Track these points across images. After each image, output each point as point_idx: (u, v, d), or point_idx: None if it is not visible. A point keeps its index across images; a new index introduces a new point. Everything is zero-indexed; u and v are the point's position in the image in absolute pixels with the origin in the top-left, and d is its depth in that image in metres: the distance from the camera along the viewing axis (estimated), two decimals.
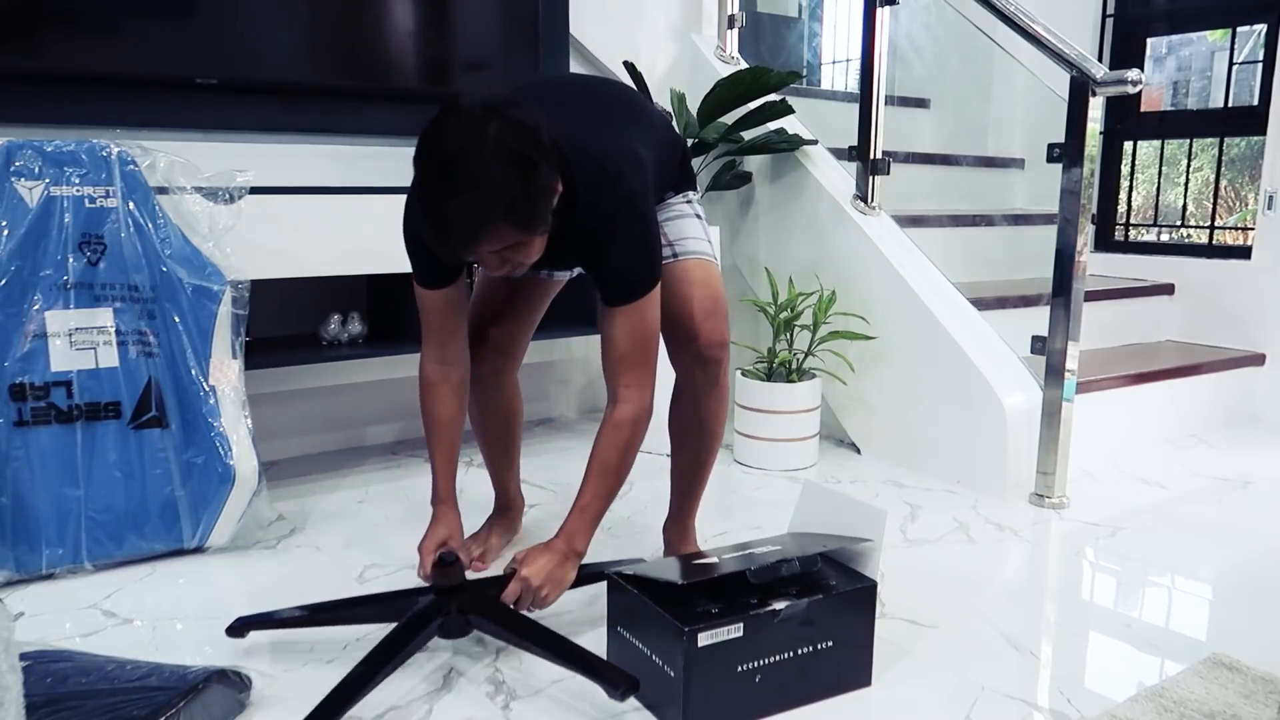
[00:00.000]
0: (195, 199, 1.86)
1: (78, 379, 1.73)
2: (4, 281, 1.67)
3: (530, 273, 1.45)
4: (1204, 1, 3.20)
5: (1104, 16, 3.39)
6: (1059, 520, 2.12)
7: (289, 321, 2.42)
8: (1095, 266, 3.32)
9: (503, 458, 1.87)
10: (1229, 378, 2.89)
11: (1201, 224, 3.32)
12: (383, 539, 1.94)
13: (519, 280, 1.66)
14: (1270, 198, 2.91)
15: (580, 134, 1.39)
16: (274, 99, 2.28)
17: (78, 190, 1.74)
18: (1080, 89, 2.12)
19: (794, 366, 2.49)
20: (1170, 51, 3.41)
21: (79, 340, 1.73)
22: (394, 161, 2.46)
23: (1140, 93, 3.05)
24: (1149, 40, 3.36)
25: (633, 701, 1.34)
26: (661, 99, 2.77)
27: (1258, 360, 2.93)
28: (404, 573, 1.75)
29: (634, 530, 2.00)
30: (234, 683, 1.28)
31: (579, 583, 1.49)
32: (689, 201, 1.65)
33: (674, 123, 2.72)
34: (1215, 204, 3.29)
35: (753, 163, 2.85)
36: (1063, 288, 2.17)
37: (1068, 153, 2.14)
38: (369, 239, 2.08)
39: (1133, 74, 2.06)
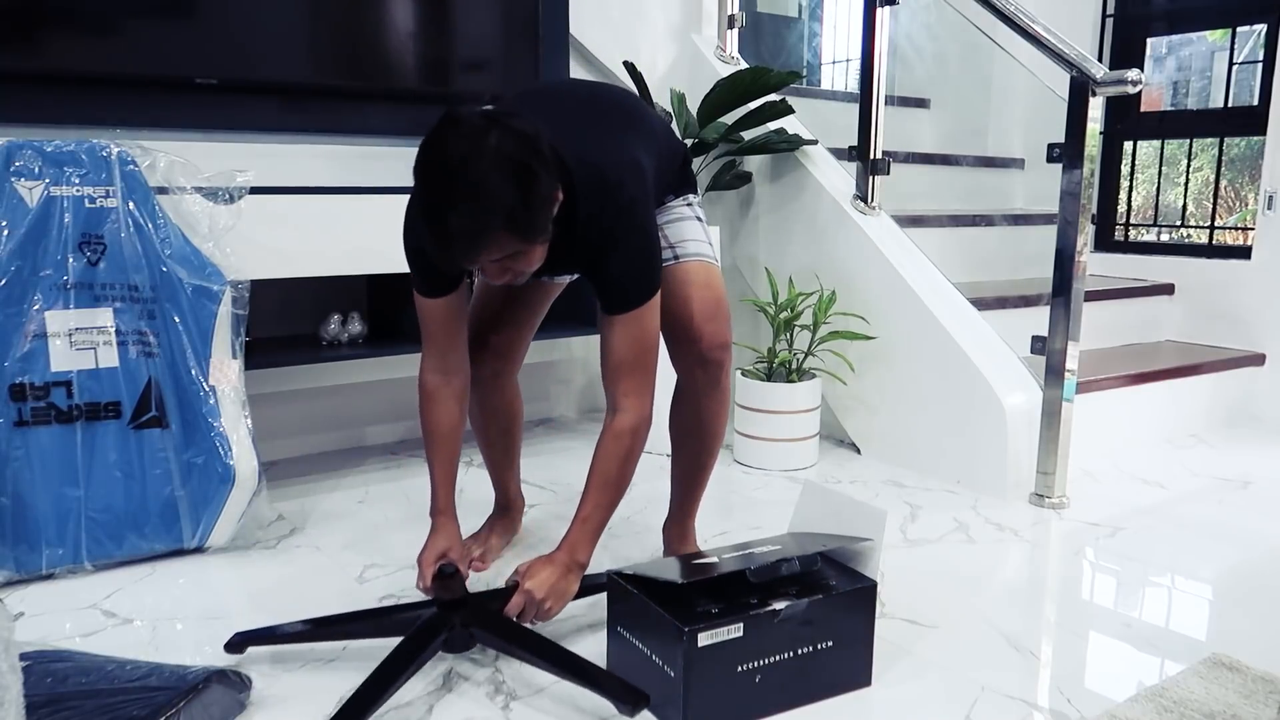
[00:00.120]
0: (195, 199, 1.86)
1: (78, 379, 1.73)
2: (4, 281, 1.67)
3: (530, 278, 1.45)
4: (1204, 1, 3.20)
5: (1104, 16, 3.39)
6: (1059, 520, 2.12)
7: (289, 321, 2.42)
8: (1095, 266, 3.32)
9: (503, 459, 1.87)
10: (1229, 378, 2.89)
11: (1201, 224, 3.32)
12: (383, 539, 1.94)
13: (519, 284, 1.66)
14: (1270, 198, 2.91)
15: (580, 142, 1.39)
16: (274, 99, 2.28)
17: (78, 190, 1.74)
18: (1080, 89, 2.12)
19: (794, 366, 2.49)
20: (1170, 51, 3.41)
21: (79, 340, 1.73)
22: (394, 161, 2.46)
23: (1140, 93, 3.06)
24: (1149, 40, 3.36)
25: None
26: (661, 99, 2.78)
27: (1258, 360, 2.93)
28: (404, 573, 1.75)
29: (634, 530, 2.00)
30: (234, 683, 1.28)
31: (581, 594, 1.49)
32: (689, 204, 1.64)
33: (674, 123, 2.72)
34: (1215, 204, 3.29)
35: (753, 163, 2.85)
36: (1063, 288, 2.17)
37: (1068, 153, 2.14)
38: (369, 239, 2.08)
39: (1133, 74, 2.06)
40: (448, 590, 1.44)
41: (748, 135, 2.71)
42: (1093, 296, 2.78)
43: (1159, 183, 3.41)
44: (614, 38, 2.87)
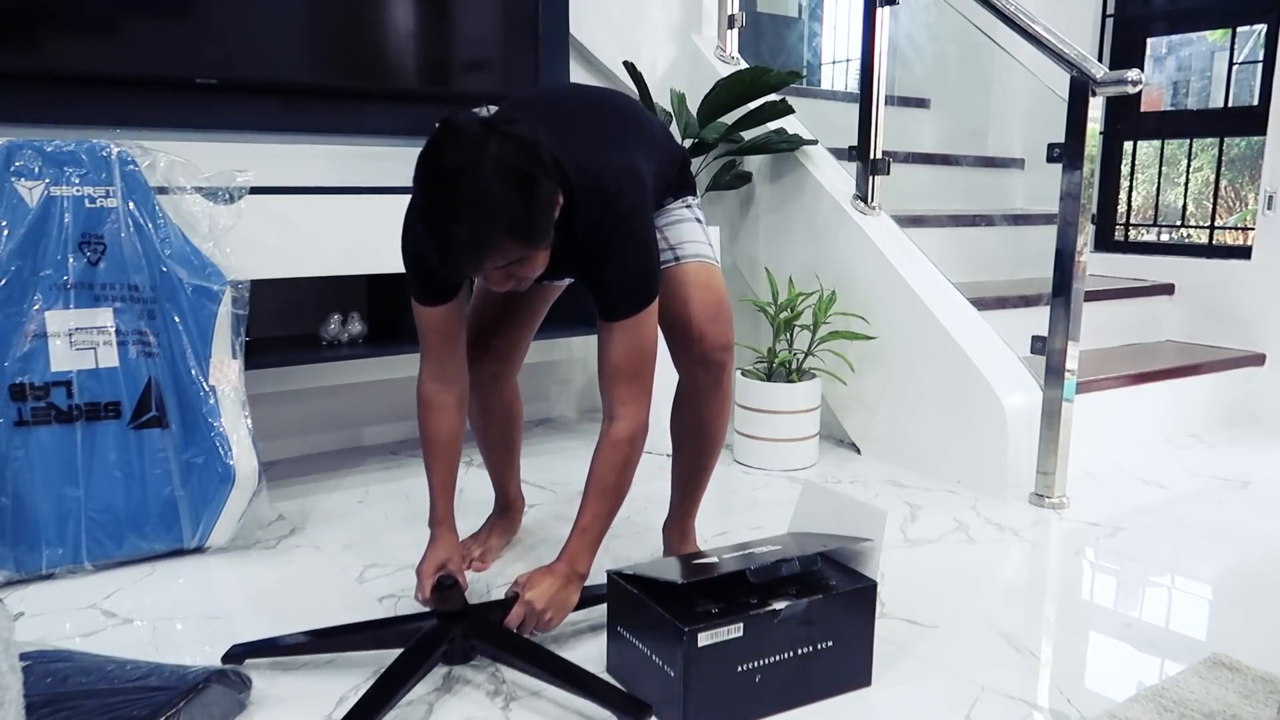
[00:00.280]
0: (195, 199, 1.86)
1: (78, 379, 1.73)
2: (4, 281, 1.67)
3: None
4: (1204, 1, 3.20)
5: (1104, 16, 3.39)
6: (1059, 520, 2.12)
7: (289, 321, 2.42)
8: (1095, 266, 3.32)
9: (503, 460, 1.87)
10: (1229, 378, 2.89)
11: (1201, 224, 3.32)
12: (382, 539, 1.94)
13: (522, 290, 1.66)
14: (1270, 198, 2.91)
15: (579, 150, 1.39)
16: (274, 99, 2.28)
17: (78, 190, 1.74)
18: (1080, 89, 2.12)
19: (794, 366, 2.49)
20: (1170, 51, 3.41)
21: (79, 340, 1.73)
22: (394, 161, 2.46)
23: (1140, 93, 3.05)
24: (1149, 40, 3.36)
25: None
26: (661, 99, 2.78)
27: (1258, 360, 2.93)
28: (404, 573, 1.75)
29: (634, 530, 2.00)
30: (234, 683, 1.28)
31: (582, 604, 1.49)
32: (688, 206, 1.64)
33: (674, 123, 2.72)
34: (1215, 204, 3.29)
35: (753, 163, 2.85)
36: (1063, 288, 2.17)
37: (1068, 153, 2.14)
38: (369, 239, 2.08)
39: (1133, 74, 2.06)
40: (447, 602, 1.44)
41: (748, 135, 2.71)
42: (1093, 296, 2.78)
43: (1159, 183, 3.41)
44: (614, 38, 2.87)
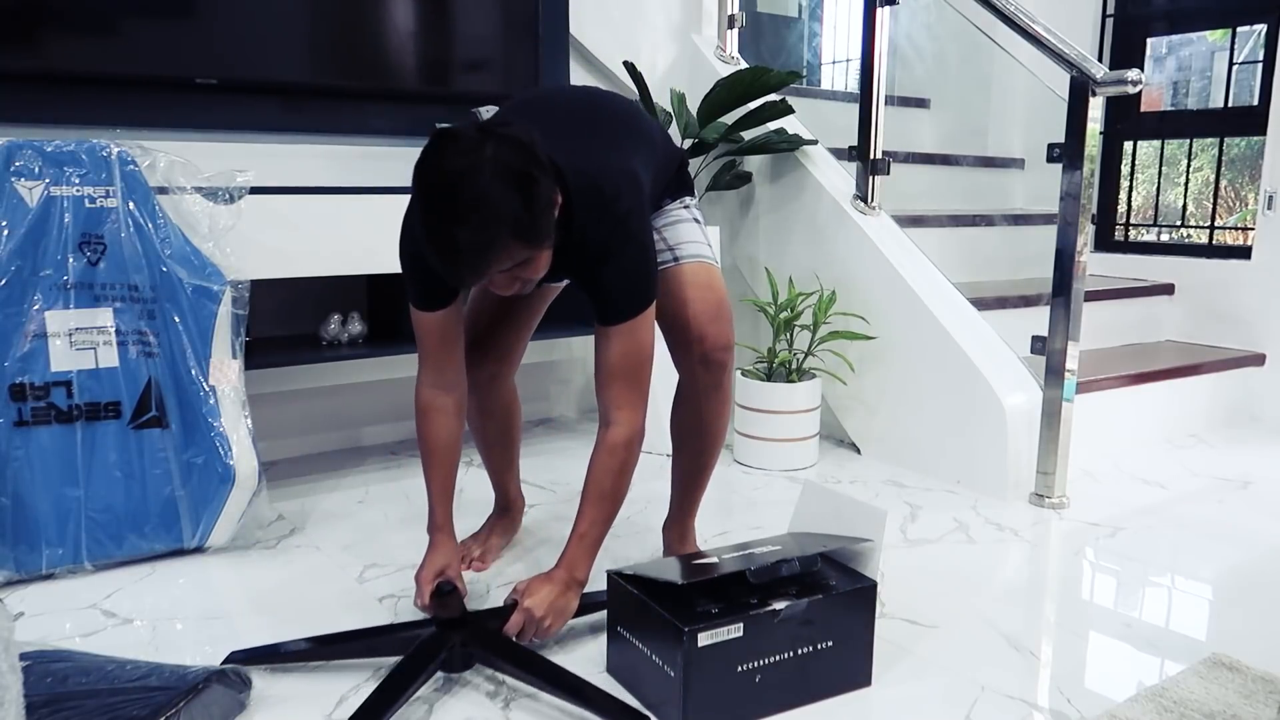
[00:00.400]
0: (195, 199, 1.86)
1: (78, 379, 1.73)
2: (4, 281, 1.67)
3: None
4: (1204, 1, 3.20)
5: (1104, 16, 3.39)
6: (1059, 520, 2.12)
7: (289, 321, 2.42)
8: (1095, 266, 3.32)
9: (502, 460, 1.87)
10: (1229, 378, 2.89)
11: (1201, 224, 3.32)
12: (382, 539, 1.94)
13: (525, 294, 1.65)
14: (1270, 198, 2.91)
15: (576, 153, 1.39)
16: (274, 99, 2.28)
17: (78, 190, 1.74)
18: (1080, 89, 2.12)
19: (794, 366, 2.49)
20: (1170, 51, 3.41)
21: (79, 340, 1.73)
22: (394, 161, 2.46)
23: (1140, 93, 3.05)
24: (1149, 40, 3.36)
25: (633, 701, 1.34)
26: (661, 99, 2.78)
27: (1258, 360, 2.93)
28: (404, 573, 1.75)
29: (634, 530, 2.00)
30: (234, 683, 1.28)
31: (581, 611, 1.49)
32: (686, 206, 1.64)
33: (674, 123, 2.72)
34: (1215, 204, 3.29)
35: (753, 163, 2.85)
36: (1063, 288, 2.17)
37: (1068, 153, 2.14)
38: (369, 239, 2.08)
39: (1133, 74, 2.06)
40: (446, 609, 1.44)
41: (748, 135, 2.71)
42: (1093, 296, 2.78)
43: (1159, 183, 3.41)
44: (614, 38, 2.87)
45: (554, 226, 1.32)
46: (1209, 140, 3.33)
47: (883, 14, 2.52)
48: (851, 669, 1.38)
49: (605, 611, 1.42)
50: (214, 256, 1.85)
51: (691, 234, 1.61)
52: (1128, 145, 3.41)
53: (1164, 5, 3.34)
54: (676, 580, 1.31)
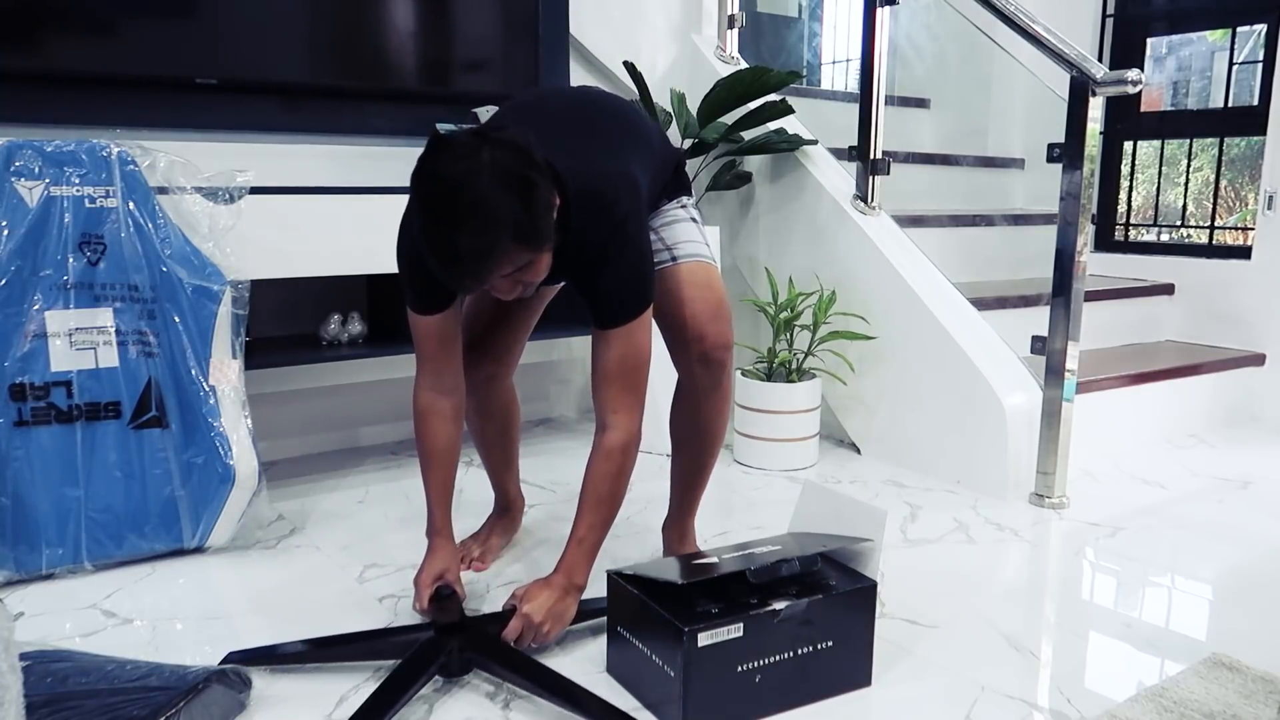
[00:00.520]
0: (195, 199, 1.86)
1: (78, 379, 1.73)
2: (4, 281, 1.67)
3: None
4: (1204, 1, 3.20)
5: (1104, 16, 3.39)
6: (1059, 520, 2.12)
7: (289, 321, 2.43)
8: (1095, 266, 3.32)
9: (501, 461, 1.87)
10: (1229, 378, 2.89)
11: (1201, 224, 3.32)
12: (382, 539, 1.94)
13: (527, 297, 1.65)
14: (1270, 198, 2.91)
15: (575, 157, 1.39)
16: (274, 99, 2.28)
17: (78, 190, 1.74)
18: (1080, 89, 2.12)
19: (794, 366, 2.49)
20: (1170, 51, 3.41)
21: (79, 340, 1.73)
22: (394, 161, 2.46)
23: (1140, 93, 3.05)
24: (1149, 40, 3.36)
25: (632, 701, 1.34)
26: (661, 99, 2.78)
27: (1258, 360, 2.93)
28: (404, 573, 1.75)
29: (634, 530, 2.00)
30: (234, 683, 1.28)
31: (581, 618, 1.48)
32: (683, 206, 1.64)
33: (674, 123, 2.72)
34: (1215, 204, 3.29)
35: (753, 163, 2.85)
36: (1063, 288, 2.17)
37: (1068, 153, 2.14)
38: (369, 239, 2.08)
39: (1133, 74, 2.06)
40: (445, 613, 1.43)
41: (748, 135, 2.71)
42: (1093, 296, 2.78)
43: (1159, 183, 3.41)
44: (614, 38, 2.87)
45: (553, 229, 1.32)
46: (1209, 140, 3.33)
47: (883, 14, 2.52)
48: (851, 669, 1.38)
49: (606, 610, 1.42)
50: (214, 256, 1.85)
51: (689, 234, 1.61)
52: (1128, 145, 3.41)
53: (1164, 5, 3.34)
54: (676, 580, 1.31)
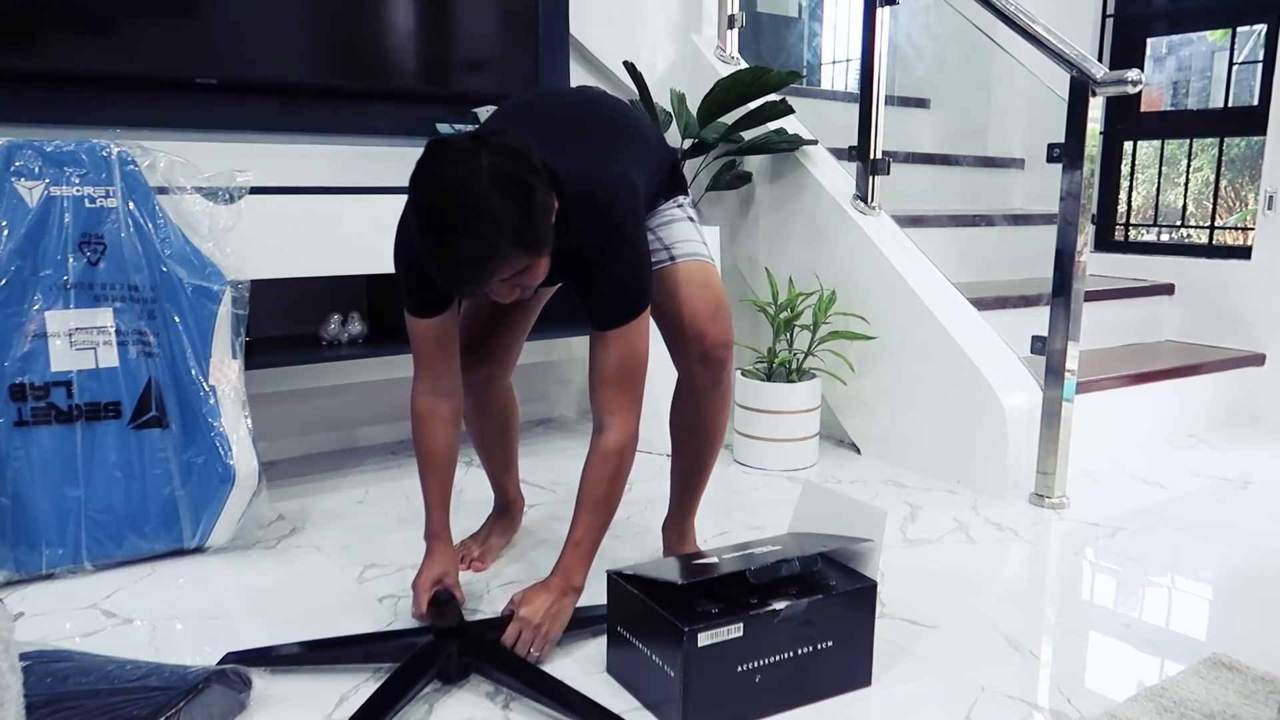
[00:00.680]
0: (195, 199, 1.86)
1: (78, 379, 1.73)
2: (4, 281, 1.67)
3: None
4: (1204, 1, 3.20)
5: (1104, 16, 3.39)
6: (1059, 520, 2.12)
7: (289, 321, 2.43)
8: (1095, 266, 3.32)
9: (500, 461, 1.87)
10: (1229, 378, 2.89)
11: (1201, 224, 3.32)
12: (382, 539, 1.94)
13: (525, 299, 1.65)
14: (1270, 198, 2.91)
15: (571, 159, 1.39)
16: (274, 99, 2.28)
17: (78, 190, 1.74)
18: (1080, 89, 2.12)
19: (794, 366, 2.49)
20: (1170, 51, 3.41)
21: (79, 340, 1.73)
22: (394, 161, 2.46)
23: (1140, 93, 3.05)
24: (1149, 40, 3.36)
25: (633, 701, 1.34)
26: (661, 99, 2.78)
27: (1258, 360, 2.93)
28: (403, 574, 1.75)
29: (634, 530, 2.00)
30: (234, 683, 1.28)
31: (580, 624, 1.48)
32: (680, 205, 1.64)
33: (674, 123, 2.72)
34: (1215, 204, 3.29)
35: (753, 163, 2.85)
36: (1063, 288, 2.17)
37: (1068, 153, 2.14)
38: (369, 239, 2.08)
39: (1133, 74, 2.06)
40: (444, 618, 1.43)
41: (748, 135, 2.71)
42: (1093, 296, 2.78)
43: (1159, 183, 3.41)
44: (614, 38, 2.87)
45: (552, 232, 1.32)
46: (1209, 140, 3.33)
47: (883, 14, 2.52)
48: (851, 669, 1.38)
49: (606, 610, 1.42)
50: (214, 256, 1.85)
51: (687, 233, 1.61)
52: (1128, 145, 3.41)
53: (1164, 5, 3.34)
54: (676, 580, 1.31)
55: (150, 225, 1.80)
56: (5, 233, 1.68)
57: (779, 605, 1.29)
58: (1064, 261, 2.17)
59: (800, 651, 1.32)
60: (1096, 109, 2.12)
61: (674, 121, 2.72)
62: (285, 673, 1.40)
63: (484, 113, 2.44)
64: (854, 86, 3.02)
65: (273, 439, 2.44)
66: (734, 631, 1.26)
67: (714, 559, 1.38)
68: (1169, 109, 3.44)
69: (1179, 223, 3.37)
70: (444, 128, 2.43)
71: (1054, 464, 2.19)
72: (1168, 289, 3.14)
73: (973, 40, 3.08)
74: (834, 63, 4.36)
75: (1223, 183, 3.31)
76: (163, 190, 1.83)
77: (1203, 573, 1.85)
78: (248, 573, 1.78)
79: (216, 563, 1.82)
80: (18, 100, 1.99)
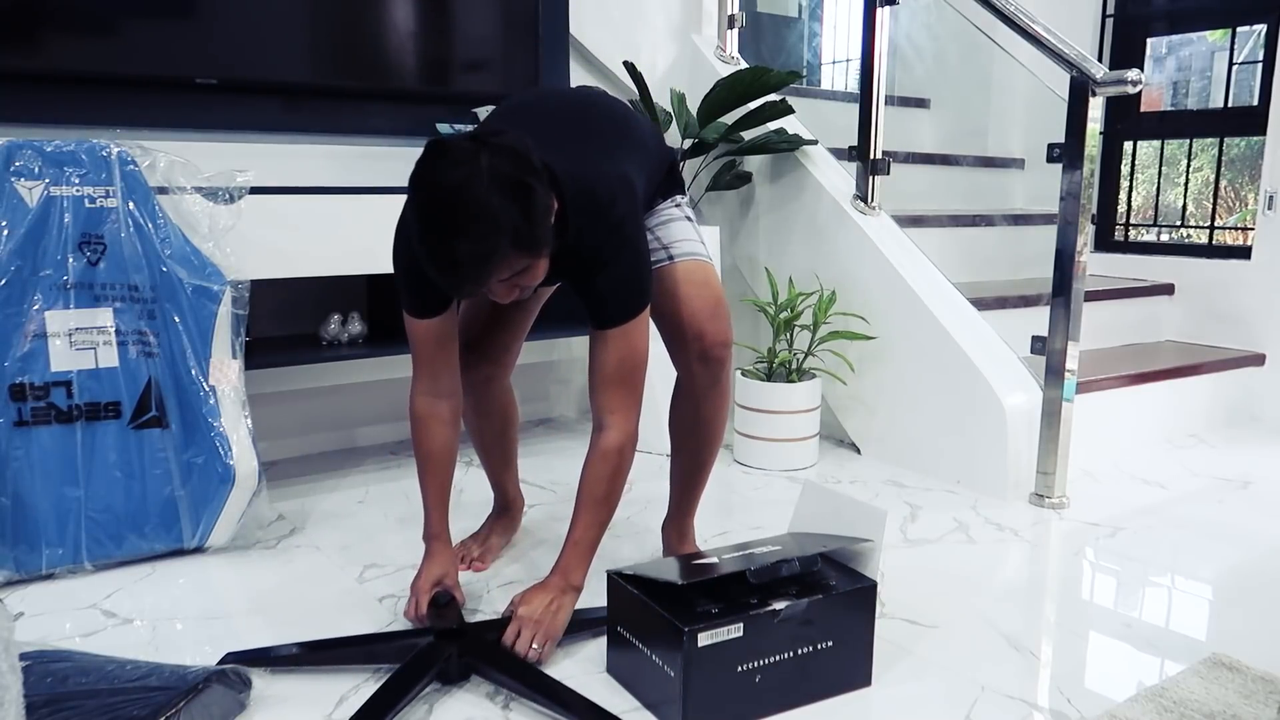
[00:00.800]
0: (195, 199, 1.86)
1: (78, 379, 1.73)
2: (4, 281, 1.67)
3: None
4: (1204, 1, 3.20)
5: (1104, 16, 3.39)
6: (1059, 520, 2.12)
7: (289, 321, 2.43)
8: (1095, 266, 3.32)
9: (500, 462, 1.87)
10: (1229, 378, 2.89)
11: (1201, 224, 3.32)
12: (382, 539, 1.94)
13: (524, 299, 1.65)
14: (1270, 198, 2.91)
15: (570, 159, 1.39)
16: (274, 99, 2.28)
17: (78, 190, 1.74)
18: (1080, 89, 2.12)
19: (794, 366, 2.49)
20: (1170, 51, 3.41)
21: (79, 340, 1.73)
22: (394, 161, 2.46)
23: (1140, 93, 3.05)
24: (1149, 40, 3.36)
25: (633, 701, 1.34)
26: (661, 99, 2.78)
27: (1258, 360, 2.93)
28: (404, 573, 1.75)
29: (634, 530, 2.00)
30: (234, 683, 1.28)
31: (580, 627, 1.48)
32: (677, 205, 1.64)
33: (674, 123, 2.72)
34: (1215, 204, 3.29)
35: (753, 163, 2.85)
36: (1063, 288, 2.17)
37: (1068, 153, 2.14)
38: (369, 239, 2.08)
39: (1133, 74, 2.06)
40: (444, 619, 1.43)
41: (748, 135, 2.71)
42: (1093, 296, 2.78)
43: (1159, 183, 3.41)
44: (614, 38, 2.87)
45: (551, 233, 1.32)
46: (1209, 140, 3.33)
47: (883, 14, 2.52)
48: (851, 669, 1.38)
49: (606, 610, 1.42)
50: (214, 256, 1.85)
51: (685, 232, 1.61)
52: (1128, 145, 3.41)
53: (1164, 5, 3.34)
54: (676, 580, 1.31)
55: (150, 225, 1.80)
56: (5, 233, 1.68)
57: (779, 605, 1.29)
58: (1064, 261, 2.17)
59: (800, 651, 1.32)
60: (1096, 109, 2.12)
61: (674, 121, 2.72)
62: (285, 673, 1.40)
63: (484, 113, 2.44)
64: (854, 86, 3.02)
65: (273, 439, 2.44)
66: (734, 631, 1.26)
67: (714, 559, 1.38)
68: (1169, 109, 3.44)
69: (1179, 223, 3.37)
70: (444, 128, 2.43)
71: (1054, 464, 2.19)
72: (1168, 289, 3.15)
73: (973, 40, 3.08)
74: (834, 63, 4.36)
75: (1223, 183, 3.31)
76: (163, 190, 1.83)
77: (1203, 573, 1.85)
78: (248, 573, 1.78)
79: (216, 563, 1.82)
80: (18, 100, 1.99)
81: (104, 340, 1.75)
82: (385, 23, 2.36)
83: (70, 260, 1.73)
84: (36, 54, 1.97)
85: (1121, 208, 3.45)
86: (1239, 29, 3.13)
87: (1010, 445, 2.24)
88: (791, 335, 2.51)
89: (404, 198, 1.49)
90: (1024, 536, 2.02)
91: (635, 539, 1.95)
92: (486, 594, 1.69)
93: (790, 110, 2.64)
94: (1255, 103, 3.08)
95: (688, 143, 2.69)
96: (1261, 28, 3.04)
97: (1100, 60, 3.19)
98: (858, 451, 2.63)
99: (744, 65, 2.90)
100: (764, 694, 1.30)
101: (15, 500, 1.67)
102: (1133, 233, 3.48)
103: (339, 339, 2.30)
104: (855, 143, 2.61)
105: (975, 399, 2.30)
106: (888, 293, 2.49)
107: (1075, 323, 2.17)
